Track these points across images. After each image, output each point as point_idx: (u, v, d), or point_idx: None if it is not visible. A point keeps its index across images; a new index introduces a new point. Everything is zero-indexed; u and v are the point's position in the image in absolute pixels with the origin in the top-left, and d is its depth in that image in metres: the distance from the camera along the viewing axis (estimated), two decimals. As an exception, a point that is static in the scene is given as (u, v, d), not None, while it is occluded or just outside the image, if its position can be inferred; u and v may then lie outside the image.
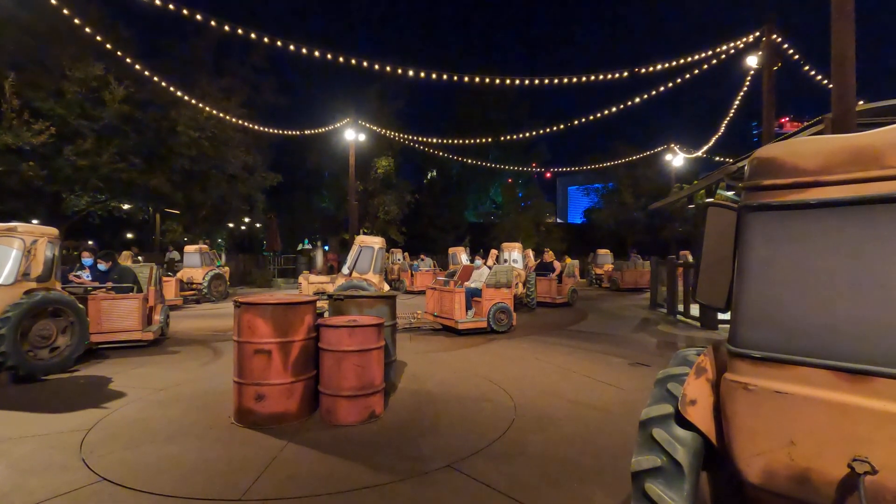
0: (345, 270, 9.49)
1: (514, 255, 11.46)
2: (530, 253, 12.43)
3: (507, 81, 18.66)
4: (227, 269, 17.26)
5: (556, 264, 12.72)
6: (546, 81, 16.06)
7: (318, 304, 4.56)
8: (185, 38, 21.32)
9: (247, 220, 31.37)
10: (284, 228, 34.16)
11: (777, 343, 1.61)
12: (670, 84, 16.51)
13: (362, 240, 9.79)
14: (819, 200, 1.55)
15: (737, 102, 18.24)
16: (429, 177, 41.47)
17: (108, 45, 13.34)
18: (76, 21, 12.66)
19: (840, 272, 1.52)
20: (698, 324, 10.03)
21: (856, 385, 1.46)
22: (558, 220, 60.27)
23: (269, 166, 26.29)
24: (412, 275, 18.30)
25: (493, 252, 11.98)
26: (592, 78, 14.79)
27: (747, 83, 16.14)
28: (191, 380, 5.64)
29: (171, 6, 13.01)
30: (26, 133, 13.18)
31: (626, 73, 14.50)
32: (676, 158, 28.28)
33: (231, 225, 30.71)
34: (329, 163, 30.58)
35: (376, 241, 9.75)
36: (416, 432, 4.00)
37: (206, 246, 16.59)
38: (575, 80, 14.79)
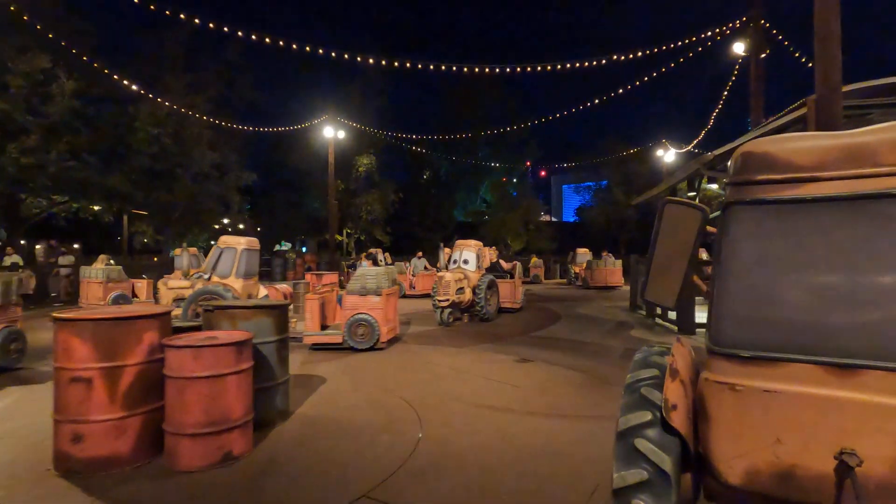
0: (204, 274, 8.47)
1: (465, 255, 10.00)
2: (487, 252, 11.10)
3: (497, 70, 17.93)
4: None
5: (504, 264, 11.55)
6: (528, 69, 15.36)
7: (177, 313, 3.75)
8: (153, 31, 20.48)
9: (226, 220, 30.53)
10: (266, 229, 33.35)
11: (766, 341, 1.58)
12: (655, 74, 15.86)
13: (224, 240, 8.67)
14: (815, 196, 1.54)
15: (725, 94, 17.57)
16: (417, 176, 40.65)
17: (50, 35, 12.57)
18: (11, 8, 11.89)
19: (834, 267, 1.52)
20: (675, 328, 9.29)
21: (844, 379, 1.46)
22: (553, 219, 59.32)
23: (247, 165, 25.46)
24: (412, 277, 16.15)
25: (447, 251, 10.59)
26: (572, 65, 14.03)
27: (734, 74, 15.45)
28: (18, 416, 4.40)
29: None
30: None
31: (604, 61, 13.73)
32: (668, 154, 27.50)
33: (217, 227, 29.82)
34: (312, 162, 29.78)
35: (241, 242, 8.60)
36: (281, 478, 3.20)
37: (193, 249, 15.73)
38: (549, 67, 14.02)
